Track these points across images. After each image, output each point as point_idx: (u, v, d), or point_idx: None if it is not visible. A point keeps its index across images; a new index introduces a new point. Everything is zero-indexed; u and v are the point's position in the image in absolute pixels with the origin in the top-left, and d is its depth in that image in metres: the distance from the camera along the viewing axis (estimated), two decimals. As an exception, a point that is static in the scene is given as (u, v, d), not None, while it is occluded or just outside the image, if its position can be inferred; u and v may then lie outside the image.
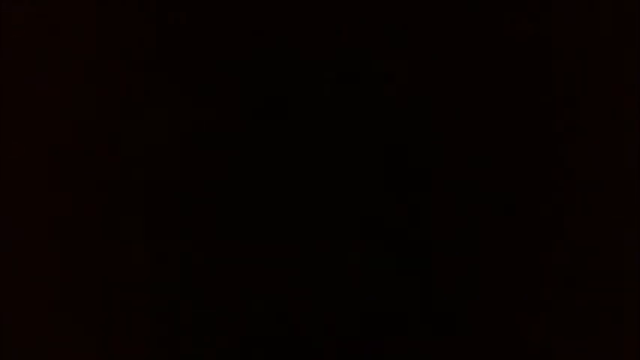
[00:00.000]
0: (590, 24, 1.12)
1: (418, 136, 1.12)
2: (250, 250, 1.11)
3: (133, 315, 1.10)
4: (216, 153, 1.12)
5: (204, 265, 1.11)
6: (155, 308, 1.10)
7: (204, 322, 1.10)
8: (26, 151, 1.11)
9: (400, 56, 1.12)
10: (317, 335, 1.10)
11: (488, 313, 1.10)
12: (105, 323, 1.10)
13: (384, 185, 1.12)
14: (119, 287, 1.10)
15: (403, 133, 1.12)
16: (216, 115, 1.12)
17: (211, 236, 1.11)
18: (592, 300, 1.10)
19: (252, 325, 1.11)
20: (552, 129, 1.12)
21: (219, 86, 1.12)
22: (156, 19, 1.13)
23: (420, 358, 1.10)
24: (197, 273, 1.11)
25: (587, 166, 1.11)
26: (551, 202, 1.11)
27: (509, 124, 1.12)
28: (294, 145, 1.12)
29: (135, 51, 1.13)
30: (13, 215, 1.11)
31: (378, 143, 1.12)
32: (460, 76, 1.12)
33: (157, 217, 1.11)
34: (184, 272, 1.11)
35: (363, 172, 1.12)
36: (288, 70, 1.12)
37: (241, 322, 1.11)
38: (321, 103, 1.12)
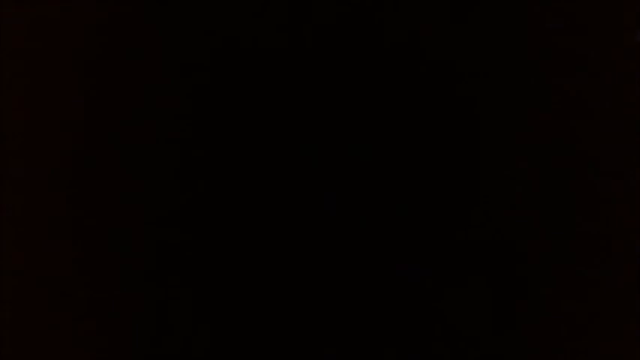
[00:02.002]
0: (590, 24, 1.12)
1: (418, 138, 1.12)
2: (251, 250, 1.11)
3: (132, 315, 1.10)
4: (219, 151, 1.12)
5: (205, 264, 1.11)
6: (156, 308, 1.10)
7: (203, 321, 1.11)
8: (26, 152, 1.11)
9: (406, 59, 1.12)
10: (318, 335, 1.11)
11: (492, 313, 1.10)
12: (105, 323, 1.10)
13: (388, 187, 1.12)
14: (119, 288, 1.11)
15: (406, 138, 1.12)
16: (220, 113, 1.12)
17: (213, 235, 1.11)
18: (596, 301, 1.10)
19: (252, 324, 1.11)
20: (557, 130, 1.12)
21: (222, 85, 1.12)
22: (155, 18, 1.13)
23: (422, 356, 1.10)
24: (197, 272, 1.11)
25: (590, 165, 1.11)
26: (556, 203, 1.11)
27: (512, 125, 1.12)
28: (296, 145, 1.12)
29: (134, 51, 1.13)
30: (13, 215, 1.11)
31: (386, 146, 1.12)
32: (463, 75, 1.12)
33: (157, 216, 1.11)
34: (185, 272, 1.11)
35: (368, 173, 1.12)
36: (290, 68, 1.12)
37: (241, 320, 1.11)
38: (324, 103, 1.12)
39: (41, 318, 1.10)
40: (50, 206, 1.11)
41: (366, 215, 1.11)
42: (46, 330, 1.10)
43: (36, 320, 1.10)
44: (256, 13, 1.13)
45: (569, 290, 1.10)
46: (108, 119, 1.12)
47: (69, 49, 1.12)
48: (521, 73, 1.12)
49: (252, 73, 1.13)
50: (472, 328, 1.10)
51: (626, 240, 1.10)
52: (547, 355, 1.10)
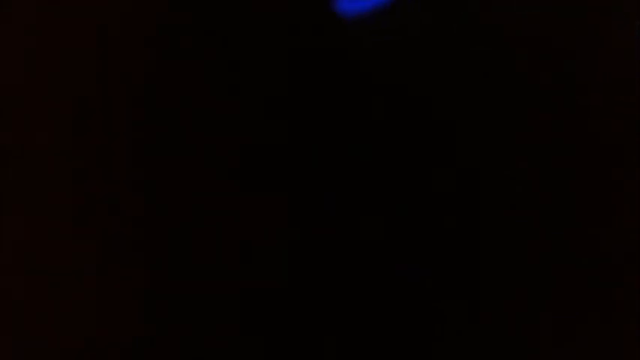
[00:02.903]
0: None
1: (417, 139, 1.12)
2: (251, 252, 1.11)
3: (133, 314, 1.10)
4: (223, 150, 1.12)
5: (206, 260, 1.11)
6: (156, 305, 1.11)
7: (203, 321, 1.11)
8: (27, 150, 1.11)
9: (399, 58, 1.13)
10: (319, 331, 1.11)
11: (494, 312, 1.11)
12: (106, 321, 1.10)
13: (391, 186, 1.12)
14: (120, 286, 1.11)
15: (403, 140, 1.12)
16: (224, 112, 1.13)
17: (216, 233, 1.11)
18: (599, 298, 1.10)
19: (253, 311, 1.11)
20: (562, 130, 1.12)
21: (227, 86, 1.13)
22: (158, 18, 1.13)
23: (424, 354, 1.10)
24: (198, 272, 1.11)
25: (593, 165, 1.12)
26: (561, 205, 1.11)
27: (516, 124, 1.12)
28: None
29: (138, 51, 1.13)
30: (14, 214, 1.11)
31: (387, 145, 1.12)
32: (465, 76, 1.13)
33: (156, 217, 1.11)
34: (185, 271, 1.11)
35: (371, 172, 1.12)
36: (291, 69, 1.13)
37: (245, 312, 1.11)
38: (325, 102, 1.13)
39: (40, 318, 1.10)
40: (50, 206, 1.11)
41: (366, 217, 1.12)
42: (46, 330, 1.10)
43: (35, 320, 1.10)
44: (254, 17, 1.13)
45: (569, 291, 1.10)
46: (107, 119, 1.12)
47: (68, 49, 1.13)
48: (521, 71, 1.13)
49: (248, 73, 1.13)
50: (472, 327, 1.10)
51: (627, 240, 1.11)
52: (547, 355, 1.10)
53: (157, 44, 1.13)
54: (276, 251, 1.11)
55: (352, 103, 1.13)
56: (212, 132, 1.12)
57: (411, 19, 1.12)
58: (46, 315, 1.09)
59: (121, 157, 1.12)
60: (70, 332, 1.10)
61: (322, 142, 1.12)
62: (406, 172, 1.12)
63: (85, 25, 1.13)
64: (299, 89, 1.13)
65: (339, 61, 1.13)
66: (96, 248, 1.11)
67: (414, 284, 1.11)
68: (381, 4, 1.11)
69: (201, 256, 1.11)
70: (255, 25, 1.13)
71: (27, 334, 1.09)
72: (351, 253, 1.11)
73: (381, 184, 1.12)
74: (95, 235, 1.11)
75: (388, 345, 1.11)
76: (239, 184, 1.12)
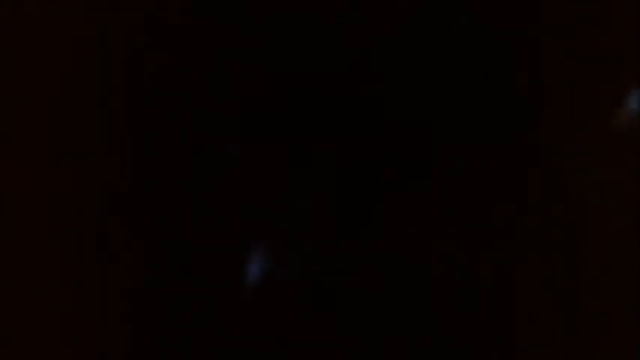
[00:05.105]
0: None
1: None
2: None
3: (132, 318, 1.11)
4: (219, 156, 1.12)
5: (201, 265, 1.11)
6: (156, 306, 1.11)
7: (199, 323, 1.11)
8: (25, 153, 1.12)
9: (393, 56, 1.13)
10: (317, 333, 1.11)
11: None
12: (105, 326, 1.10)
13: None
14: (117, 290, 1.11)
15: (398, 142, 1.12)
16: (219, 115, 1.13)
17: (211, 241, 1.11)
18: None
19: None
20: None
21: (221, 87, 1.13)
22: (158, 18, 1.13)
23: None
24: (198, 269, 1.11)
25: (593, 165, 1.11)
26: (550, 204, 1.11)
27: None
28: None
29: (138, 51, 1.13)
30: (12, 215, 1.11)
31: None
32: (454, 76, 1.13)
33: (158, 216, 1.12)
34: (185, 275, 1.11)
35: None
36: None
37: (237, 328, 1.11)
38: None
39: (37, 319, 1.10)
40: (50, 206, 1.11)
41: (366, 217, 1.12)
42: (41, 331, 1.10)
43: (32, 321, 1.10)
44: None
45: (568, 290, 1.10)
46: (107, 119, 1.12)
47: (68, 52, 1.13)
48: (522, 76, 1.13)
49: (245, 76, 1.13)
50: (473, 328, 1.10)
51: (626, 241, 1.10)
52: (546, 355, 1.10)
53: (157, 44, 1.13)
54: (275, 253, 1.11)
55: (352, 104, 1.13)
56: (212, 132, 1.12)
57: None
58: (45, 314, 1.10)
59: (121, 157, 1.12)
60: (68, 332, 1.10)
61: (321, 142, 1.12)
62: (405, 172, 1.12)
63: (85, 25, 1.13)
64: (297, 90, 1.13)
65: (338, 62, 1.13)
66: (95, 249, 1.11)
67: (413, 285, 1.11)
68: None
69: (201, 255, 1.11)
70: (254, 25, 1.13)
71: (26, 334, 1.09)
72: (350, 254, 1.11)
73: (382, 184, 1.12)
74: (95, 235, 1.11)
75: (387, 345, 1.11)
76: (238, 185, 1.12)
